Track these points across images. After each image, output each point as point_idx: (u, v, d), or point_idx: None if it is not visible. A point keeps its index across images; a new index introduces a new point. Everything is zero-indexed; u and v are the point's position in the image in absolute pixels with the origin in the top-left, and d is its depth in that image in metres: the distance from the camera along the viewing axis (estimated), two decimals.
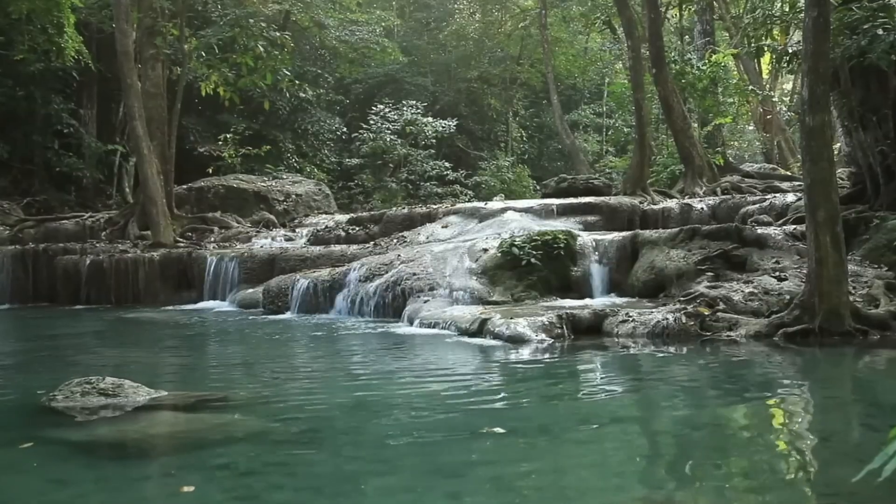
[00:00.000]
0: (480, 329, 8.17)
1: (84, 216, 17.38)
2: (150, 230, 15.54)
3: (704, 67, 17.94)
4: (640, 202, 14.80)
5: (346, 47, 25.51)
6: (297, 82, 19.99)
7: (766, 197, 13.83)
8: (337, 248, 13.42)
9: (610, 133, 28.59)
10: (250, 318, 10.93)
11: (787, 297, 8.02)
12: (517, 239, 10.74)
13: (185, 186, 18.46)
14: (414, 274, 10.26)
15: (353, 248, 13.19)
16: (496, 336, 7.92)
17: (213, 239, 16.06)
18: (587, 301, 9.79)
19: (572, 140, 26.68)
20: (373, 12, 27.30)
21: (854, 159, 11.24)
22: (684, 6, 22.21)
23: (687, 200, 14.72)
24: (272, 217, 17.87)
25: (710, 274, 9.29)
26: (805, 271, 7.96)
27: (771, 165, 20.55)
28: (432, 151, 24.38)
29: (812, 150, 7.51)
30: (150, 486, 3.76)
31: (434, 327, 8.83)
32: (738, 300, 8.23)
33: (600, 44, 30.32)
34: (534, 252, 10.23)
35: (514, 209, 14.51)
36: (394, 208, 17.71)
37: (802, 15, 8.25)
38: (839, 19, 9.47)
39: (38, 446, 4.24)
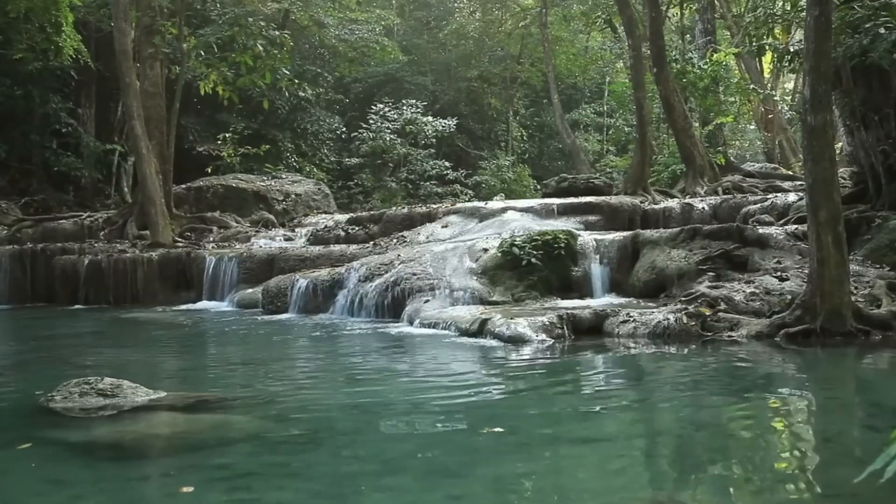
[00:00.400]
0: (481, 329, 8.15)
1: (82, 216, 17.35)
2: (148, 230, 15.50)
3: (706, 66, 17.92)
4: (641, 202, 14.78)
5: (345, 46, 25.48)
6: (296, 81, 19.96)
7: (768, 196, 13.80)
8: (336, 247, 13.39)
9: (611, 132, 28.57)
10: (249, 318, 10.90)
11: (789, 297, 7.99)
12: (517, 239, 10.71)
13: (183, 186, 18.42)
14: (414, 274, 10.23)
15: (353, 247, 13.16)
16: (496, 336, 7.89)
17: (212, 239, 16.03)
18: (588, 301, 9.76)
19: (573, 139, 26.65)
20: (372, 11, 27.26)
21: (856, 159, 11.21)
22: (685, 5, 22.19)
23: (688, 200, 14.70)
24: (271, 217, 17.83)
25: (711, 274, 9.27)
26: (807, 271, 7.94)
27: (772, 165, 20.53)
28: (432, 151, 24.36)
29: (814, 149, 7.48)
30: (149, 486, 3.75)
31: (434, 327, 8.80)
32: (739, 300, 8.20)
33: (601, 43, 30.29)
34: (534, 252, 10.21)
35: (515, 209, 14.48)
36: (393, 208, 17.67)
37: (804, 14, 8.23)
38: (841, 18, 9.43)
39: (36, 447, 4.23)
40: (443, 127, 23.81)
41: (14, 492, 3.63)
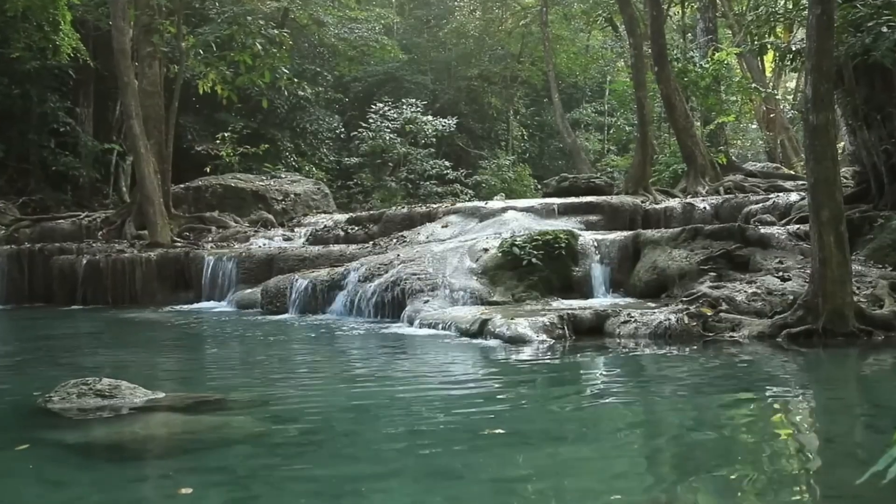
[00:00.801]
0: (481, 330, 8.12)
1: (80, 216, 17.30)
2: (147, 230, 15.46)
3: (707, 65, 17.89)
4: (643, 201, 14.74)
5: (345, 45, 25.45)
6: (295, 80, 19.93)
7: (770, 196, 13.78)
8: (336, 247, 13.36)
9: (611, 132, 28.51)
10: (248, 318, 10.88)
11: (791, 297, 7.97)
12: (518, 239, 10.69)
13: (182, 185, 18.38)
14: (414, 274, 10.20)
15: (353, 247, 13.13)
16: (497, 337, 7.87)
17: (210, 239, 15.99)
18: (589, 301, 9.75)
19: (573, 139, 26.63)
20: (372, 10, 27.22)
21: (858, 158, 11.19)
22: (687, 3, 22.17)
23: (689, 200, 14.67)
24: (270, 217, 17.79)
25: (712, 274, 9.25)
26: (808, 271, 7.91)
27: (774, 164, 20.52)
28: (432, 150, 24.33)
29: (816, 148, 7.45)
30: (148, 488, 3.74)
31: (434, 328, 8.78)
32: (740, 300, 8.17)
33: (602, 41, 30.29)
34: (535, 252, 10.18)
35: (515, 209, 14.45)
36: (393, 208, 17.63)
37: (806, 12, 8.19)
38: (843, 17, 9.40)
39: (33, 448, 4.22)
40: (443, 126, 23.78)
41: (11, 493, 3.61)
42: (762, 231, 10.18)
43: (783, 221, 11.49)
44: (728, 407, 5.30)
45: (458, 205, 16.47)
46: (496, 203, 15.92)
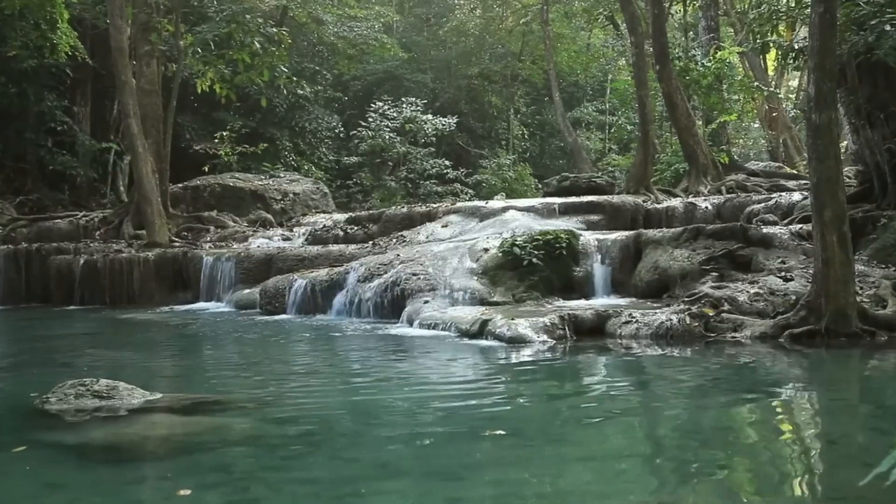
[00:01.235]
0: (481, 330, 8.09)
1: (78, 215, 17.24)
2: (144, 230, 15.40)
3: (709, 64, 17.83)
4: (644, 201, 14.70)
5: (344, 43, 25.40)
6: (294, 79, 19.88)
7: (772, 196, 13.73)
8: (335, 247, 13.31)
9: (613, 131, 28.43)
10: (247, 319, 10.85)
11: (793, 297, 7.94)
12: (518, 238, 10.65)
13: (180, 185, 18.33)
14: (413, 274, 10.16)
15: (352, 247, 13.09)
16: (497, 337, 7.84)
17: (209, 238, 15.94)
18: (590, 301, 9.73)
19: (574, 138, 26.58)
20: (371, 8, 27.17)
21: (861, 157, 11.16)
22: (688, 1, 22.13)
23: (691, 199, 14.63)
24: (269, 216, 17.74)
25: (714, 274, 9.22)
26: (811, 271, 7.87)
27: (777, 164, 20.50)
28: (432, 149, 24.29)
29: (818, 148, 7.42)
30: (146, 489, 3.74)
31: (434, 328, 8.74)
32: (743, 301, 8.14)
33: (603, 40, 30.24)
34: (535, 252, 10.14)
35: (516, 208, 14.41)
36: (393, 207, 17.59)
37: (809, 11, 8.15)
38: (846, 15, 9.37)
39: (31, 450, 4.21)
40: (443, 125, 23.74)
41: (9, 495, 3.60)
42: (764, 231, 10.15)
43: (786, 221, 11.45)
44: (730, 408, 5.30)
45: (458, 204, 16.43)
46: (496, 203, 15.89)
